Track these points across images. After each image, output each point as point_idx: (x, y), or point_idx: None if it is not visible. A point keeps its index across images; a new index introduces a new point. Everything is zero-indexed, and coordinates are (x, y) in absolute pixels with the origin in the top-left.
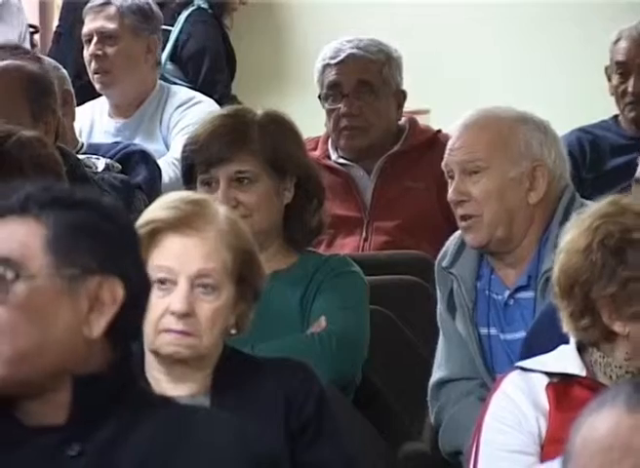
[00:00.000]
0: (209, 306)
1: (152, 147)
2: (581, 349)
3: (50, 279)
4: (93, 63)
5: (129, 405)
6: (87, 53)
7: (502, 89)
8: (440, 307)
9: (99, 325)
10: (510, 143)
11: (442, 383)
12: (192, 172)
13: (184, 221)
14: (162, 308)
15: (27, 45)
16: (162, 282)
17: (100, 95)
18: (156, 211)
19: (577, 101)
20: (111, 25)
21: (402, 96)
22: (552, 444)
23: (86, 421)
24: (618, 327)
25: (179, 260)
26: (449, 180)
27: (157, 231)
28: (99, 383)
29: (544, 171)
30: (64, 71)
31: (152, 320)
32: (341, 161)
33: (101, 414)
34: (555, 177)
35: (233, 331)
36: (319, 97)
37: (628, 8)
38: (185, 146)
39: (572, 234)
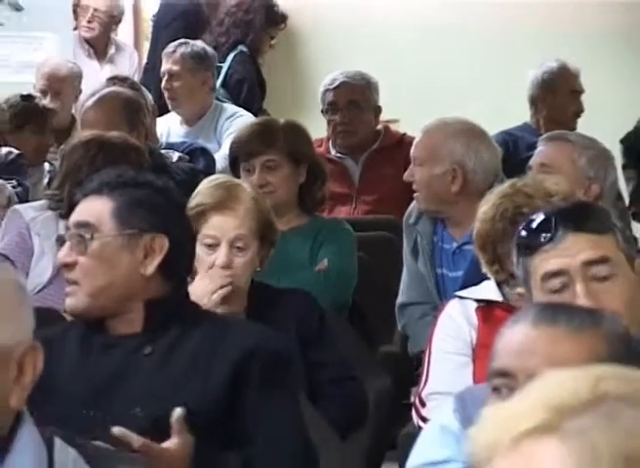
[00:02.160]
0: (241, 260)
1: (209, 146)
2: (499, 283)
3: (115, 237)
4: (165, 93)
5: (185, 318)
6: (162, 85)
7: (454, 104)
8: (406, 251)
9: (151, 266)
10: (438, 150)
11: (405, 305)
12: (237, 162)
13: (222, 203)
14: (210, 262)
15: (136, 78)
16: (210, 245)
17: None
18: (201, 196)
19: (510, 113)
20: (176, 67)
21: (378, 110)
22: (481, 348)
23: (155, 330)
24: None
25: (220, 231)
26: None
27: (204, 211)
28: (161, 304)
29: (461, 171)
30: (149, 95)
31: (204, 271)
32: (338, 155)
33: (165, 325)
34: (477, 173)
35: (258, 269)
36: (322, 111)
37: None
38: (232, 144)
39: (484, 208)
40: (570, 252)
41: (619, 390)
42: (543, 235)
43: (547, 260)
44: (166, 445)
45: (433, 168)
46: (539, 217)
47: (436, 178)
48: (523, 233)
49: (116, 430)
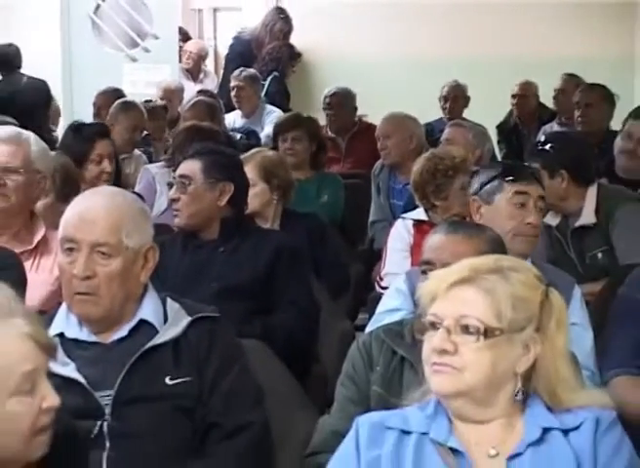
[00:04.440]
0: (251, 192)
1: (257, 129)
2: (426, 210)
3: (202, 184)
4: (234, 99)
5: (242, 230)
6: (232, 94)
7: (398, 107)
8: (373, 191)
9: (223, 200)
10: (400, 126)
11: (373, 222)
12: (277, 136)
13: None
14: None
15: (215, 91)
16: None
17: (235, 109)
18: None
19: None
20: (241, 83)
21: (355, 109)
22: (415, 248)
23: (225, 237)
24: (437, 202)
25: None
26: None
27: None
28: (229, 222)
29: (416, 138)
30: (221, 101)
31: None
32: (333, 135)
33: (232, 234)
34: (422, 140)
35: (274, 199)
36: (323, 109)
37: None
38: (275, 126)
39: (416, 167)
40: (532, 186)
41: (508, 263)
42: (522, 174)
43: (520, 186)
44: None
45: (399, 137)
46: (521, 167)
47: (401, 143)
48: (509, 170)
49: None
